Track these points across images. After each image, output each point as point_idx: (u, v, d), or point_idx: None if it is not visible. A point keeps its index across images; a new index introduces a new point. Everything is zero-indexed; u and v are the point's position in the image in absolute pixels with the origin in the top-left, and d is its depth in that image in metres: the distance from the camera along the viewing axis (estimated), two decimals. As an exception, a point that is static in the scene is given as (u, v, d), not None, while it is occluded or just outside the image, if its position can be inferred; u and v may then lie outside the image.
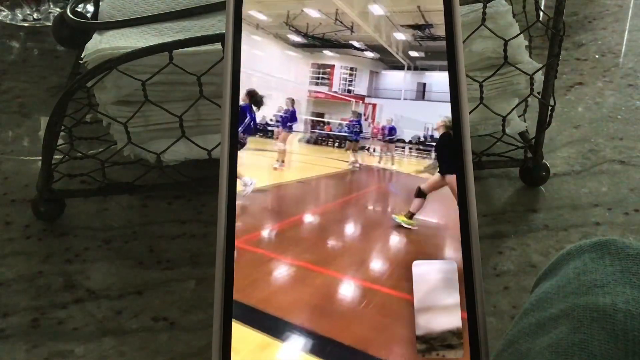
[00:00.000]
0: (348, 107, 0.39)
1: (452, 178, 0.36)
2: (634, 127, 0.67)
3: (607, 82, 0.74)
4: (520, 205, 0.58)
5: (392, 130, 0.38)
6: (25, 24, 0.85)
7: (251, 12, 0.39)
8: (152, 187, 0.57)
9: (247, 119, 0.37)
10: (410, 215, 0.36)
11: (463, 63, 0.38)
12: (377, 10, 0.39)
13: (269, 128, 0.38)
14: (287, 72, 0.39)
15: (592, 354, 0.28)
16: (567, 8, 0.57)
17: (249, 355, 0.33)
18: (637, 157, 0.63)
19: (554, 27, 0.54)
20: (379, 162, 0.38)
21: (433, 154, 0.37)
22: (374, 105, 0.39)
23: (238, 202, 0.36)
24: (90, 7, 0.78)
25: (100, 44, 0.55)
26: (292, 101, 0.38)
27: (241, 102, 0.37)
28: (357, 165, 0.38)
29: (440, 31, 0.38)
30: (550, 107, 0.57)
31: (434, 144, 0.37)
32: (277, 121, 0.38)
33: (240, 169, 0.36)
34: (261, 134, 0.38)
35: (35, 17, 0.85)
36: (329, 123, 0.39)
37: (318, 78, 0.39)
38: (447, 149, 0.37)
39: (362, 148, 0.38)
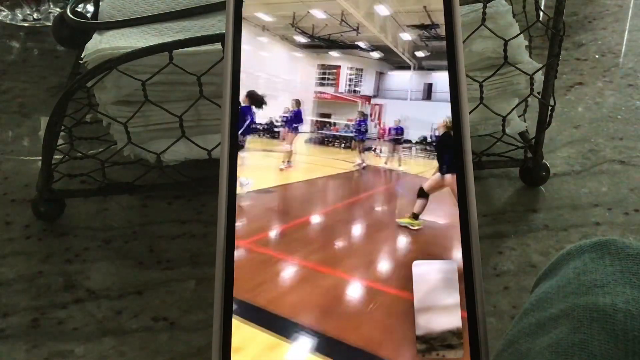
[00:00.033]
0: (354, 108, 0.39)
1: (452, 177, 0.36)
2: (634, 127, 0.67)
3: (607, 82, 0.74)
4: (520, 205, 0.58)
5: (399, 130, 0.38)
6: (25, 24, 0.85)
7: (257, 13, 0.39)
8: (152, 187, 0.57)
9: (247, 121, 0.37)
10: (415, 216, 0.36)
11: (463, 63, 0.38)
12: (382, 10, 0.39)
13: (275, 129, 0.38)
14: (293, 73, 0.39)
15: (592, 354, 0.28)
16: (567, 8, 0.57)
17: (258, 355, 0.33)
18: (637, 157, 0.63)
19: (554, 27, 0.54)
20: (386, 163, 0.38)
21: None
22: (380, 106, 0.39)
23: (245, 203, 0.36)
24: (90, 7, 0.78)
25: (100, 44, 0.55)
26: (298, 102, 0.38)
27: (242, 104, 0.37)
28: (363, 165, 0.38)
29: (447, 31, 0.38)
30: (550, 107, 0.57)
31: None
32: (283, 122, 0.38)
33: (246, 169, 0.36)
34: (268, 135, 0.38)
35: (35, 17, 0.85)
36: (335, 124, 0.39)
37: (324, 79, 0.39)
38: (447, 149, 0.37)
39: (369, 149, 0.38)
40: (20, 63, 0.79)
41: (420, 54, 0.39)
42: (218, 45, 0.51)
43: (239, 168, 0.36)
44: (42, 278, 0.52)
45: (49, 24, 0.83)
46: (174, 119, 0.53)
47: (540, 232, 0.55)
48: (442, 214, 0.36)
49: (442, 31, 0.38)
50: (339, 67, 0.39)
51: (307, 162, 0.38)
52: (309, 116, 0.39)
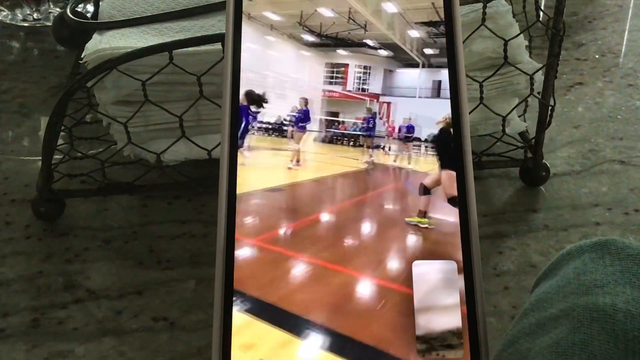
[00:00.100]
0: (362, 106, 0.39)
1: (446, 174, 0.36)
2: (634, 127, 0.67)
3: (607, 82, 0.74)
4: (520, 205, 0.58)
5: (410, 128, 0.38)
6: (25, 24, 0.85)
7: (265, 12, 0.39)
8: (152, 187, 0.57)
9: (243, 123, 0.37)
10: (423, 214, 0.36)
11: (463, 63, 0.38)
12: (390, 8, 0.39)
13: (284, 128, 0.38)
14: (301, 72, 0.39)
15: (592, 354, 0.28)
16: (567, 8, 0.57)
17: (270, 352, 0.33)
18: (637, 157, 0.63)
19: (554, 27, 0.54)
20: (395, 161, 0.38)
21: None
22: (389, 104, 0.39)
23: (255, 201, 0.36)
24: (90, 7, 0.78)
25: (100, 44, 0.55)
26: (306, 101, 0.38)
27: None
28: (372, 162, 0.38)
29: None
30: (550, 107, 0.57)
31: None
32: (291, 121, 0.38)
33: (255, 168, 0.36)
34: (276, 134, 0.38)
35: (35, 17, 0.85)
36: (343, 122, 0.39)
37: (332, 77, 0.39)
38: (446, 144, 0.37)
39: (378, 147, 0.38)
40: (20, 63, 0.79)
41: (429, 51, 0.38)
42: (218, 45, 0.51)
43: (248, 166, 0.36)
44: (42, 278, 0.52)
45: (49, 24, 0.83)
46: (174, 119, 0.53)
47: (540, 232, 0.55)
48: (450, 211, 0.36)
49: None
50: (347, 65, 0.39)
51: (316, 160, 0.38)
52: (317, 115, 0.39)
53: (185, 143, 0.54)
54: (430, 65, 0.39)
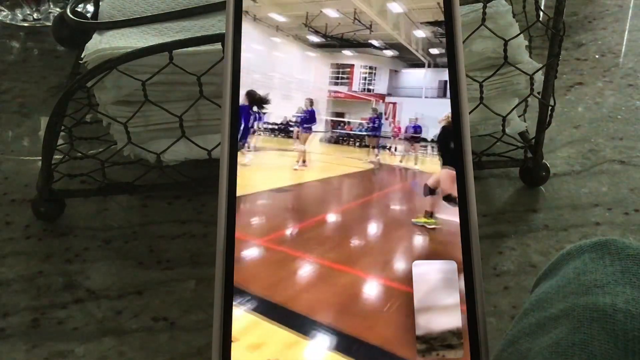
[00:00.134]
0: (368, 106, 0.39)
1: (449, 170, 0.36)
2: (634, 127, 0.67)
3: (607, 82, 0.74)
4: (520, 205, 0.58)
5: (417, 128, 0.38)
6: (25, 24, 0.85)
7: (270, 14, 0.39)
8: (152, 187, 0.57)
9: (242, 124, 0.37)
10: (430, 215, 0.36)
11: (463, 63, 0.38)
12: (396, 8, 0.39)
13: (289, 129, 0.38)
14: (307, 73, 0.39)
15: (592, 354, 0.28)
16: (567, 8, 0.57)
17: (277, 352, 0.33)
18: (637, 157, 0.63)
19: (554, 27, 0.54)
20: (401, 162, 0.38)
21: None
22: (394, 104, 0.39)
23: (261, 202, 0.36)
24: (90, 7, 0.78)
25: (100, 44, 0.55)
26: (311, 101, 0.38)
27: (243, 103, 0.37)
28: (378, 163, 0.38)
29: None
30: (550, 107, 0.57)
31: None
32: (297, 122, 0.38)
33: (261, 168, 0.36)
34: (283, 135, 0.38)
35: (35, 17, 0.85)
36: (349, 123, 0.39)
37: (338, 78, 0.39)
38: (447, 142, 0.37)
39: (384, 147, 0.38)
40: (20, 63, 0.79)
41: (434, 51, 0.38)
42: (218, 45, 0.51)
43: (254, 167, 0.36)
44: (42, 278, 0.52)
45: (49, 24, 0.83)
46: (174, 119, 0.53)
47: (540, 232, 0.55)
48: (456, 211, 0.36)
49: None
50: (353, 65, 0.39)
51: (322, 161, 0.38)
52: (323, 115, 0.39)
53: (185, 143, 0.54)
54: (436, 65, 0.38)
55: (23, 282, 0.52)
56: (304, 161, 0.38)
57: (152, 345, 0.47)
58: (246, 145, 0.37)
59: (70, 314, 0.49)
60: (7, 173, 0.63)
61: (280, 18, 0.39)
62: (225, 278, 0.34)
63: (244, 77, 0.38)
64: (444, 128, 0.37)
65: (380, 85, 0.39)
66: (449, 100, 0.37)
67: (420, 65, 0.39)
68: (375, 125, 0.39)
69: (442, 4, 0.38)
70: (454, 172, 0.36)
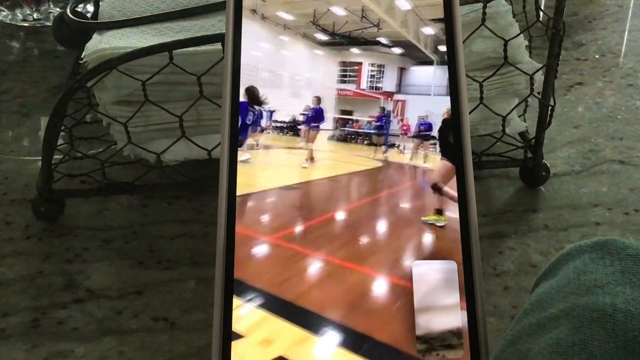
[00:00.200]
0: (376, 104, 0.39)
1: (444, 162, 0.36)
2: (634, 127, 0.67)
3: (607, 82, 0.74)
4: (520, 205, 0.58)
5: (428, 126, 0.38)
6: (25, 24, 0.85)
7: (278, 12, 0.39)
8: (152, 187, 0.57)
9: (239, 122, 0.37)
10: (439, 212, 0.36)
11: (463, 63, 0.38)
12: (403, 5, 0.39)
13: (298, 127, 0.38)
14: (315, 71, 0.39)
15: (592, 354, 0.28)
16: (567, 8, 0.57)
17: (287, 348, 0.33)
18: (637, 157, 0.63)
19: (554, 27, 0.54)
20: (411, 159, 0.38)
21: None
22: (403, 102, 0.39)
23: (271, 200, 0.36)
24: (90, 7, 0.78)
25: (100, 44, 0.55)
26: (319, 99, 0.38)
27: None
28: (386, 161, 0.38)
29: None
30: (550, 107, 0.57)
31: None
32: (304, 120, 0.38)
33: (269, 166, 0.36)
34: (291, 133, 0.38)
35: (35, 17, 0.85)
36: (357, 120, 0.39)
37: (345, 76, 0.39)
38: (448, 134, 0.37)
39: (392, 145, 0.38)
40: (20, 63, 0.79)
41: (443, 48, 0.38)
42: (218, 45, 0.51)
43: (261, 165, 0.36)
44: (42, 278, 0.52)
45: (49, 24, 0.83)
46: (174, 119, 0.53)
47: (540, 232, 0.55)
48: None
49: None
50: (360, 63, 0.39)
51: (330, 159, 0.38)
52: (331, 113, 0.39)
53: (185, 143, 0.54)
54: (444, 63, 0.38)
55: (23, 282, 0.52)
56: (311, 159, 0.38)
57: (152, 345, 0.47)
58: (245, 143, 0.37)
59: (70, 314, 0.49)
60: (7, 173, 0.63)
61: (288, 16, 0.39)
62: (225, 278, 0.34)
63: (251, 75, 0.38)
64: (444, 121, 0.37)
65: (389, 83, 0.39)
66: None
67: (428, 62, 0.38)
68: (383, 124, 0.38)
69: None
70: (449, 165, 0.36)
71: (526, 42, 0.58)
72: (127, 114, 0.53)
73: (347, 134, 0.39)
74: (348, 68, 0.39)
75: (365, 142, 0.39)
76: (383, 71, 0.39)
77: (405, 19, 0.39)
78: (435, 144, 0.37)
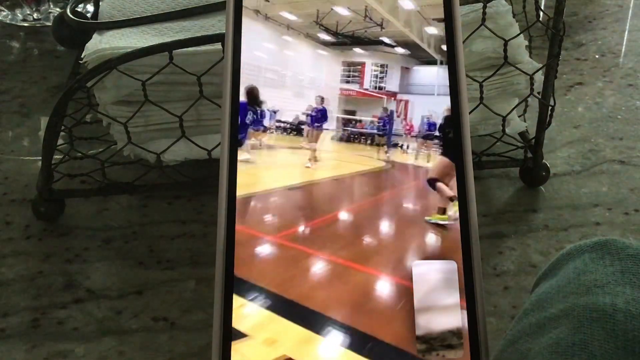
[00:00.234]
0: (380, 104, 0.39)
1: (441, 158, 0.36)
2: (634, 127, 0.67)
3: (607, 82, 0.74)
4: (520, 205, 0.58)
5: (433, 126, 0.38)
6: (25, 24, 0.85)
7: (281, 13, 0.39)
8: (152, 187, 0.57)
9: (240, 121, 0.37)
10: (442, 211, 0.36)
11: (463, 63, 0.38)
12: (407, 4, 0.39)
13: (301, 127, 0.38)
14: (318, 71, 0.39)
15: (592, 354, 0.28)
16: (567, 8, 0.57)
17: (292, 348, 0.33)
18: (637, 157, 0.63)
19: (554, 27, 0.54)
20: (416, 159, 0.38)
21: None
22: (406, 102, 0.39)
23: (274, 199, 0.36)
24: (90, 7, 0.78)
25: (100, 44, 0.55)
26: (322, 99, 0.38)
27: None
28: (389, 161, 0.38)
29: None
30: (550, 107, 0.57)
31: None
32: (310, 120, 0.38)
33: (273, 166, 0.36)
34: (295, 133, 0.38)
35: (35, 17, 0.85)
36: (361, 121, 0.39)
37: (349, 76, 0.39)
38: (447, 131, 0.37)
39: (396, 145, 0.38)
40: (20, 63, 0.79)
41: (446, 47, 0.38)
42: (218, 45, 0.51)
43: (265, 165, 0.36)
44: (42, 278, 0.52)
45: (49, 24, 0.83)
46: (174, 119, 0.53)
47: (540, 232, 0.55)
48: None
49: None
50: (364, 63, 0.39)
51: (334, 159, 0.38)
52: (334, 113, 0.39)
53: (185, 143, 0.54)
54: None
55: (23, 282, 0.52)
56: (315, 159, 0.38)
57: (152, 345, 0.47)
58: (245, 142, 0.37)
59: (70, 314, 0.49)
60: (7, 173, 0.63)
61: (291, 16, 0.39)
62: (225, 278, 0.34)
63: (254, 75, 0.38)
64: (445, 118, 0.37)
65: (392, 82, 0.39)
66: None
67: (432, 62, 0.38)
68: (385, 125, 0.38)
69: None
70: (446, 160, 0.36)
71: (526, 42, 0.58)
72: (127, 114, 0.53)
73: (350, 134, 0.39)
74: (351, 68, 0.39)
75: (369, 142, 0.39)
76: (386, 71, 0.39)
77: (409, 18, 0.39)
78: (439, 143, 0.37)
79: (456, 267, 0.35)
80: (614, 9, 0.89)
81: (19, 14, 0.85)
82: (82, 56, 0.55)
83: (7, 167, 0.63)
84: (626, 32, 0.84)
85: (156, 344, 0.47)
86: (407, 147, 0.38)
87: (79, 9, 0.74)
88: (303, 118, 0.38)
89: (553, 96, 0.57)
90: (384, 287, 0.34)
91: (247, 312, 0.34)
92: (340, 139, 0.39)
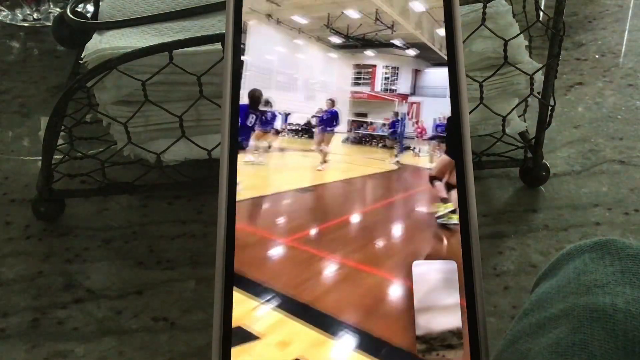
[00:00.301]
0: (391, 107, 0.39)
1: (443, 157, 0.36)
2: (634, 127, 0.67)
3: (607, 82, 0.74)
4: (520, 205, 0.58)
5: (443, 128, 0.37)
6: (25, 24, 0.85)
7: (293, 17, 0.39)
8: (152, 187, 0.57)
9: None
10: (444, 200, 0.36)
11: (463, 63, 0.38)
12: (417, 6, 0.39)
13: (312, 129, 0.38)
14: (329, 74, 0.39)
15: (592, 354, 0.28)
16: (567, 8, 0.57)
17: (304, 350, 0.33)
18: (637, 157, 0.63)
19: (554, 27, 0.54)
20: (431, 162, 0.37)
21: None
22: (418, 104, 0.38)
23: (286, 202, 0.36)
24: (90, 7, 0.78)
25: (100, 44, 0.55)
26: (333, 102, 0.38)
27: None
28: (399, 163, 0.38)
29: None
30: (550, 107, 0.57)
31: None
32: (317, 123, 0.38)
33: (284, 169, 0.36)
34: (306, 135, 0.38)
35: (35, 17, 0.85)
36: (372, 123, 0.39)
37: (360, 79, 0.39)
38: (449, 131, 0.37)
39: (407, 148, 0.38)
40: (20, 63, 0.79)
41: None
42: (218, 45, 0.51)
43: (276, 167, 0.37)
44: (42, 278, 0.52)
45: (49, 24, 0.83)
46: (174, 119, 0.53)
47: (540, 232, 0.55)
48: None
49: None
50: (375, 66, 0.39)
51: (344, 161, 0.38)
52: (345, 116, 0.39)
53: (185, 143, 0.54)
54: None
55: (23, 282, 0.52)
56: (325, 162, 0.38)
57: (152, 345, 0.47)
58: (248, 144, 0.37)
59: (70, 314, 0.49)
60: (7, 173, 0.63)
61: (302, 20, 0.39)
62: (225, 278, 0.34)
63: (266, 78, 0.38)
64: (449, 119, 0.37)
65: (403, 85, 0.39)
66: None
67: (443, 64, 0.38)
68: (396, 128, 0.38)
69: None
70: (446, 158, 0.36)
71: (526, 42, 0.58)
72: (127, 114, 0.53)
73: (361, 137, 0.39)
74: (362, 70, 0.39)
75: (380, 144, 0.39)
76: (397, 73, 0.39)
77: (420, 20, 0.39)
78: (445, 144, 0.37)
79: (456, 267, 0.35)
80: (614, 9, 0.89)
81: (19, 14, 0.85)
82: (82, 56, 0.55)
83: (7, 167, 0.63)
84: (626, 32, 0.84)
85: (156, 344, 0.47)
86: (419, 149, 0.38)
87: (79, 9, 0.74)
88: (313, 121, 0.38)
89: (553, 96, 0.57)
90: (395, 290, 0.34)
91: (260, 314, 0.34)
92: (352, 142, 0.39)
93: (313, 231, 0.36)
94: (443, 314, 0.34)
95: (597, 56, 0.79)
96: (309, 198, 0.37)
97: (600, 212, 0.57)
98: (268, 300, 0.34)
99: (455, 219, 0.36)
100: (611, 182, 0.60)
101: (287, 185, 0.37)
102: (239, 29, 0.38)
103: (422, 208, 0.36)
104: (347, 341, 0.33)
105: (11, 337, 0.47)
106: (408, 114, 0.38)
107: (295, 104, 0.38)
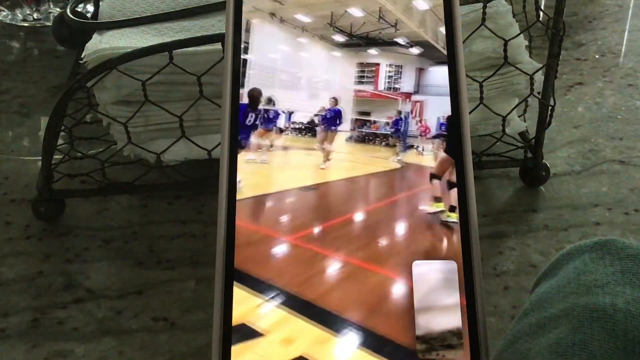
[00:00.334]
0: (394, 105, 0.39)
1: (442, 155, 0.36)
2: (634, 127, 0.67)
3: (607, 82, 0.74)
4: (520, 205, 0.58)
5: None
6: (25, 24, 0.85)
7: (296, 15, 0.39)
8: (152, 187, 0.57)
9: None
10: (436, 199, 0.36)
11: (463, 63, 0.38)
12: (421, 5, 0.39)
13: (315, 128, 0.38)
14: (332, 73, 0.39)
15: (592, 354, 0.28)
16: (567, 8, 0.57)
17: (308, 347, 0.33)
18: (637, 157, 0.63)
19: (554, 27, 0.54)
20: (436, 160, 0.37)
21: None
22: (421, 103, 0.38)
23: (289, 200, 0.36)
24: (90, 7, 0.78)
25: (100, 44, 0.55)
26: (336, 100, 0.38)
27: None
28: (402, 162, 0.38)
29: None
30: (550, 107, 0.57)
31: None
32: (320, 121, 0.38)
33: (288, 167, 0.37)
34: (309, 134, 0.38)
35: (35, 17, 0.85)
36: (375, 122, 0.39)
37: (363, 77, 0.39)
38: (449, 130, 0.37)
39: (411, 147, 0.38)
40: (20, 63, 0.79)
41: None
42: (218, 45, 0.51)
43: (279, 166, 0.37)
44: (42, 278, 0.52)
45: (49, 24, 0.83)
46: (174, 119, 0.53)
47: (540, 232, 0.55)
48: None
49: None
50: (378, 64, 0.39)
51: (348, 160, 0.38)
52: (348, 115, 0.39)
53: (185, 143, 0.54)
54: None
55: (23, 282, 0.52)
56: (328, 160, 0.38)
57: (152, 345, 0.47)
58: (248, 143, 0.37)
59: (70, 314, 0.49)
60: (7, 173, 0.63)
61: (305, 19, 0.39)
62: (225, 278, 0.34)
63: (270, 77, 0.38)
64: (449, 118, 0.37)
65: (407, 83, 0.39)
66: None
67: (447, 62, 0.38)
68: (399, 127, 0.38)
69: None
70: (445, 156, 0.36)
71: (526, 42, 0.58)
72: (127, 114, 0.53)
73: (364, 135, 0.39)
74: (366, 69, 0.39)
75: (383, 143, 0.39)
76: (401, 72, 0.39)
77: (423, 18, 0.38)
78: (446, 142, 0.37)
79: (456, 267, 0.35)
80: (614, 9, 0.89)
81: (19, 14, 0.85)
82: (82, 56, 0.55)
83: (7, 167, 0.63)
84: (626, 32, 0.84)
85: (156, 344, 0.47)
86: (422, 148, 0.38)
87: (79, 9, 0.74)
88: (316, 120, 0.38)
89: (553, 96, 0.57)
90: (399, 289, 0.34)
91: (264, 311, 0.34)
92: (355, 140, 0.39)
93: (316, 229, 0.36)
94: (443, 314, 0.34)
95: (597, 56, 0.79)
96: (312, 196, 0.37)
97: (600, 212, 0.57)
98: (272, 298, 0.34)
99: (454, 217, 0.36)
100: (611, 182, 0.60)
101: (291, 184, 0.37)
102: (239, 29, 0.38)
103: (423, 207, 0.36)
104: (351, 338, 0.33)
105: (11, 337, 0.47)
106: (411, 113, 0.38)
107: (298, 103, 0.38)
